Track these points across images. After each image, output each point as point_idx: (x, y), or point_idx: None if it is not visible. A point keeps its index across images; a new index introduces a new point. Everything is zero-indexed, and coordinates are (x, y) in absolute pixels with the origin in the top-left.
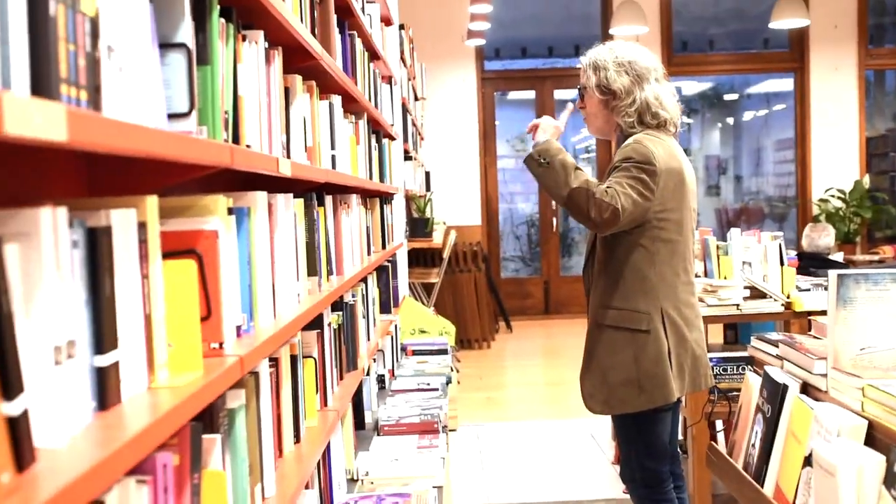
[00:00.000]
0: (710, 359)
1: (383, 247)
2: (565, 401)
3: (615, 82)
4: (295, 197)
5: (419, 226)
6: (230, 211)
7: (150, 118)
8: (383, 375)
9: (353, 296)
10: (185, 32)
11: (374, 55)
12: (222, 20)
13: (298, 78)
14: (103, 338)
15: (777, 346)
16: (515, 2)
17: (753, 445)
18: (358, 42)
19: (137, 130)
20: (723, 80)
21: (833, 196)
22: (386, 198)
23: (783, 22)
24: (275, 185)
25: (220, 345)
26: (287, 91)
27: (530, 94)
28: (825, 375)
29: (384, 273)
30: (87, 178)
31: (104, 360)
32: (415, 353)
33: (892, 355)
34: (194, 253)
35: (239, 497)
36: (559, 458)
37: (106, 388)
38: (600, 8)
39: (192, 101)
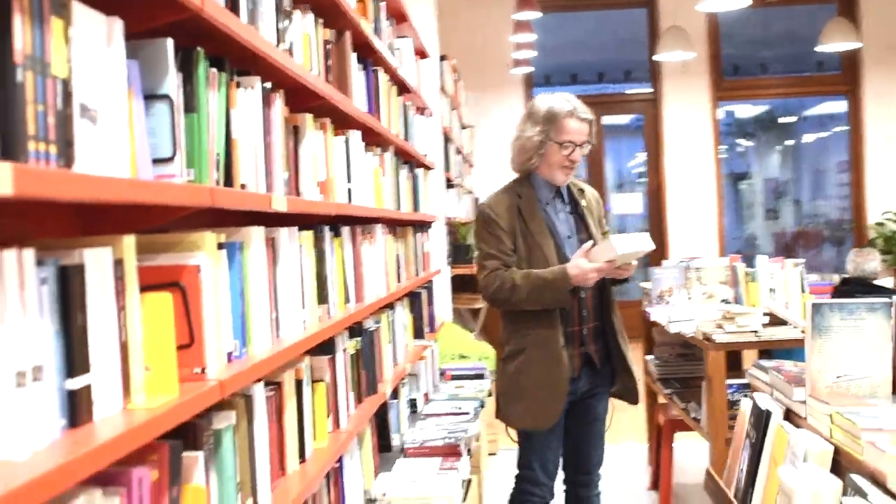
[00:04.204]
0: (730, 385)
1: (417, 274)
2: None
3: None
4: (306, 229)
5: (461, 252)
6: (221, 246)
7: (124, 166)
8: (415, 399)
9: (377, 322)
10: (171, 85)
11: (403, 88)
12: (214, 69)
13: (309, 116)
14: (74, 363)
15: (768, 374)
16: (565, 28)
17: (742, 471)
18: (383, 77)
19: (89, 180)
20: (778, 102)
21: (889, 219)
22: (421, 226)
23: (832, 45)
24: (288, 219)
25: (203, 370)
26: (296, 129)
27: None
28: (804, 402)
29: (418, 299)
30: (78, 220)
31: (75, 384)
32: (453, 377)
33: (867, 383)
34: (178, 286)
35: None
36: None
37: (77, 408)
38: (648, 33)
39: (175, 146)
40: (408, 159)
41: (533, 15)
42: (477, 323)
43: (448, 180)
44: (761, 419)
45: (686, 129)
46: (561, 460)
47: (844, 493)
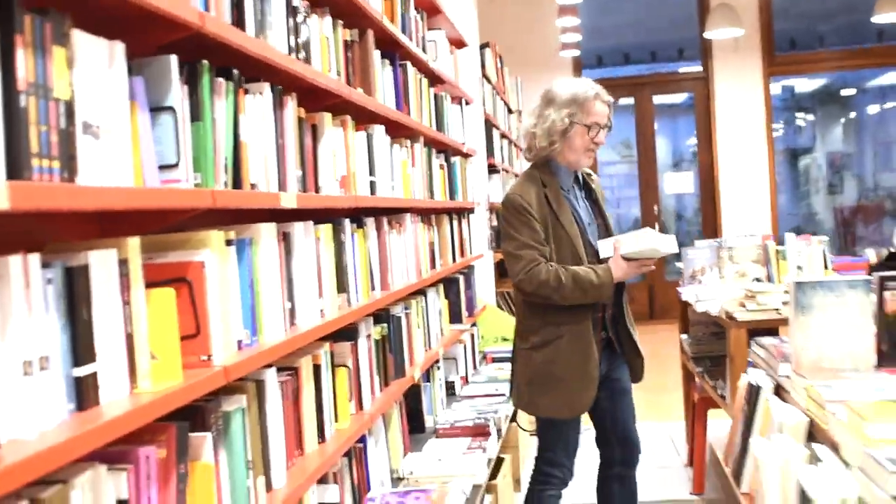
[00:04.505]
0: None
1: (454, 260)
2: (656, 404)
3: None
4: (324, 223)
5: (500, 237)
6: (230, 242)
7: (127, 175)
8: (452, 382)
9: (407, 308)
10: (175, 97)
11: (436, 79)
12: (221, 79)
13: (327, 115)
14: (80, 353)
15: (764, 350)
16: (618, 9)
17: (737, 444)
18: (411, 71)
19: (85, 191)
20: (838, 75)
21: None
22: (460, 213)
23: (889, 16)
24: (310, 213)
25: (209, 357)
26: (314, 128)
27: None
28: (789, 377)
29: (454, 284)
30: (96, 225)
31: (81, 372)
32: (494, 360)
33: (849, 357)
34: (185, 281)
35: (236, 486)
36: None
37: (84, 393)
38: (697, 11)
39: (178, 154)
40: (442, 148)
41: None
42: None
43: (491, 166)
44: (752, 394)
45: (738, 106)
46: (598, 447)
47: (810, 463)
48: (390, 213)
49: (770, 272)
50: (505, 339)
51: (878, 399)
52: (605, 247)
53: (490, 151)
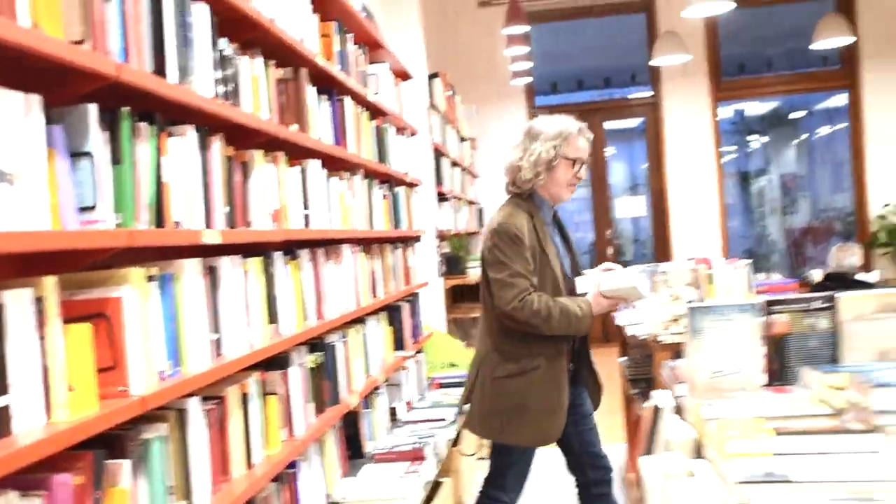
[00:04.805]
0: None
1: (397, 288)
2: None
3: None
4: (255, 256)
5: (453, 264)
6: (152, 278)
7: (44, 218)
8: (395, 408)
9: (344, 336)
10: (94, 142)
11: (378, 112)
12: (144, 123)
13: (258, 153)
14: None
15: (668, 372)
16: (572, 35)
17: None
18: (350, 105)
19: None
20: (788, 98)
21: (890, 211)
22: (406, 241)
23: (827, 41)
24: (240, 248)
25: (126, 388)
26: (244, 165)
27: None
28: (685, 397)
29: (398, 312)
30: (20, 265)
31: None
32: (441, 385)
33: (738, 378)
34: (103, 316)
35: None
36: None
37: None
38: (647, 39)
39: (96, 196)
40: (385, 179)
41: (521, 29)
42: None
43: (441, 194)
44: (655, 415)
45: (687, 130)
46: (571, 473)
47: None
48: (327, 244)
49: (702, 295)
50: (453, 365)
51: (754, 416)
52: (582, 282)
53: (439, 180)
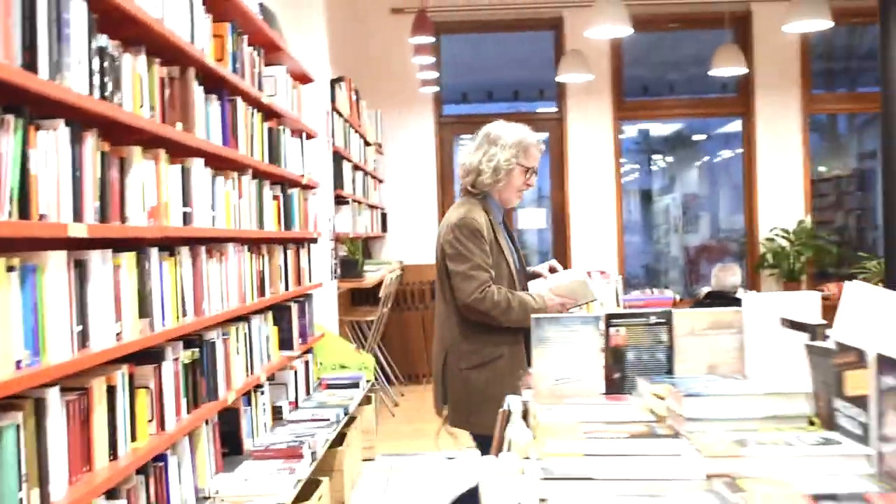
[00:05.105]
0: None
1: (286, 288)
2: None
3: None
4: (128, 251)
5: (349, 267)
6: (11, 268)
7: None
8: (280, 406)
9: (225, 334)
10: None
11: (272, 114)
12: (10, 116)
13: (137, 149)
14: None
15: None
16: (484, 47)
17: None
18: (242, 106)
19: None
20: (690, 121)
21: (778, 235)
22: (299, 243)
23: (723, 70)
24: (115, 242)
25: None
26: (122, 161)
27: None
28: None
29: (286, 312)
30: None
31: None
32: (329, 386)
33: (579, 386)
34: None
35: (5, 496)
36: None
37: None
38: (554, 56)
39: None
40: (278, 181)
41: (427, 39)
42: (371, 336)
43: (340, 197)
44: (505, 419)
45: (589, 147)
46: None
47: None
48: (211, 242)
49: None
50: (343, 367)
51: (580, 420)
52: (533, 283)
53: (339, 183)
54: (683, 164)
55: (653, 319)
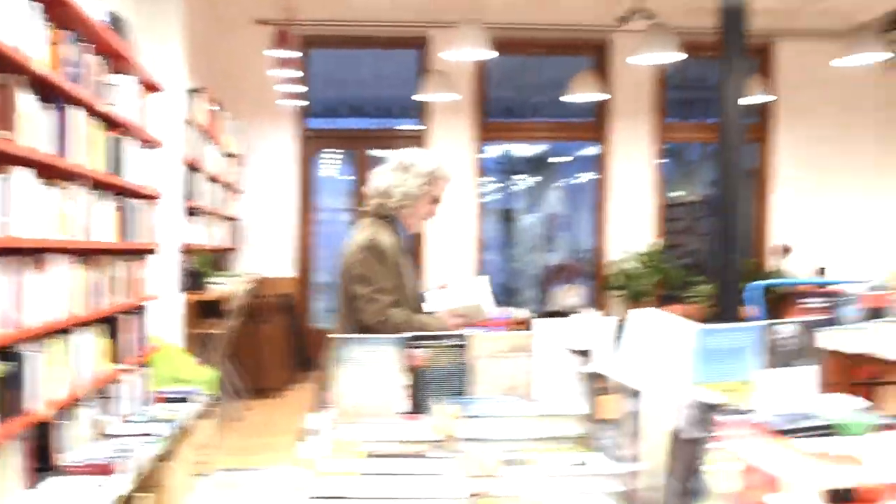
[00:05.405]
0: None
1: (121, 300)
2: None
3: None
4: None
5: (195, 279)
6: None
7: None
8: (104, 421)
9: (45, 347)
10: None
11: (116, 124)
12: None
13: None
14: None
15: None
16: (354, 62)
17: None
18: (77, 114)
19: None
20: (557, 144)
21: (625, 259)
22: (140, 254)
23: (579, 96)
24: None
25: None
26: None
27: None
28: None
29: (119, 325)
30: None
31: None
32: (166, 399)
33: (379, 405)
34: None
35: None
36: None
37: None
38: (418, 74)
39: None
40: (119, 191)
41: (286, 53)
42: (218, 348)
43: (193, 208)
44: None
45: (451, 166)
46: None
47: None
48: (35, 253)
49: None
50: (182, 380)
51: (369, 440)
52: (433, 299)
53: (191, 194)
54: (545, 184)
55: (452, 341)
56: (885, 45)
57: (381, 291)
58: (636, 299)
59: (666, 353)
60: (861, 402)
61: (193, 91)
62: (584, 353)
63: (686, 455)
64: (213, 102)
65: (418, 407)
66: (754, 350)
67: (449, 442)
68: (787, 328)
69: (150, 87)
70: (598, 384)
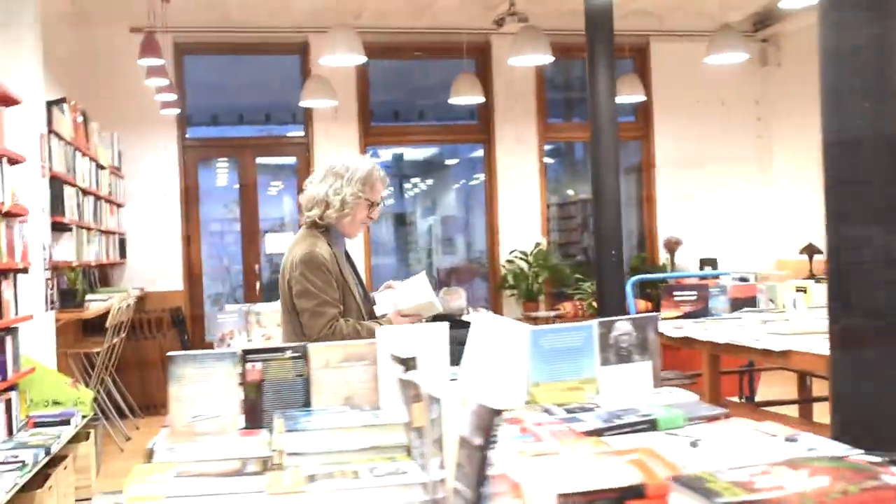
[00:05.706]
0: None
1: None
2: None
3: None
4: None
5: (69, 297)
6: None
7: None
8: None
9: None
10: None
11: None
12: None
13: None
14: None
15: None
16: (236, 69)
17: None
18: None
19: None
20: (447, 147)
21: (517, 257)
22: (2, 273)
23: (461, 98)
24: None
25: None
26: None
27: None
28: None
29: None
30: None
31: None
32: (36, 424)
33: (218, 422)
34: None
35: None
36: None
37: None
38: (301, 80)
39: None
40: None
41: (156, 61)
42: (99, 367)
43: (60, 223)
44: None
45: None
46: None
47: None
48: None
49: None
50: (56, 403)
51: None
52: (382, 302)
53: (59, 210)
54: (440, 187)
55: (289, 353)
56: (748, 43)
57: (324, 304)
58: (528, 298)
59: (503, 356)
60: (689, 395)
61: (55, 102)
62: (406, 361)
63: (474, 461)
64: (79, 113)
65: (258, 422)
66: (589, 348)
67: (277, 457)
68: (623, 325)
69: (6, 100)
70: (412, 391)
